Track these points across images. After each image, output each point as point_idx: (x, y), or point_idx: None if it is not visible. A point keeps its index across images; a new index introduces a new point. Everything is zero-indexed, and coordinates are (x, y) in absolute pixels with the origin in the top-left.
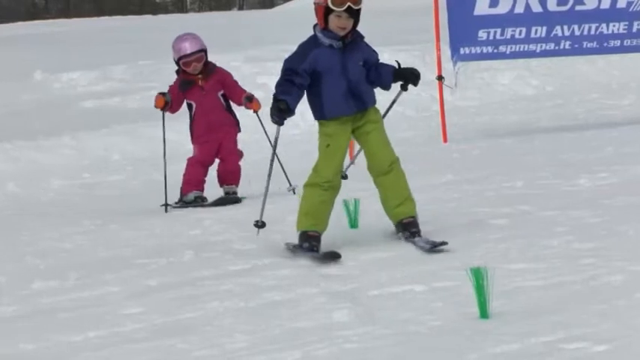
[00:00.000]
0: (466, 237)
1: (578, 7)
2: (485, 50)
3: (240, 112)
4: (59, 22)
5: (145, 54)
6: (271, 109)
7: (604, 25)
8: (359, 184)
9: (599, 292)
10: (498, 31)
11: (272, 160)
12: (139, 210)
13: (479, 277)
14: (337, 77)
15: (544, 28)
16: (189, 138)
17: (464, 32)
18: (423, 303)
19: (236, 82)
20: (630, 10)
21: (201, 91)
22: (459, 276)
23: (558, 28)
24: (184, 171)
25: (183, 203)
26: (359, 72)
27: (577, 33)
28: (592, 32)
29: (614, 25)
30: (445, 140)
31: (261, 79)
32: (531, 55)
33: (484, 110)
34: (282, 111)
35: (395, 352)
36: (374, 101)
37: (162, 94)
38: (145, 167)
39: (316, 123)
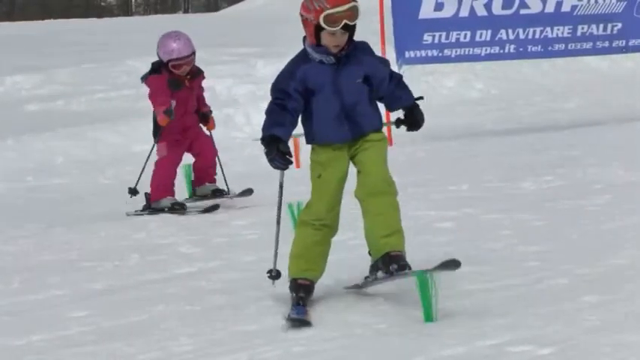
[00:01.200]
0: (411, 240)
1: (522, 11)
2: (430, 54)
3: None
4: (3, 24)
5: (90, 57)
6: (268, 151)
7: (549, 29)
8: (302, 188)
9: (545, 295)
10: (443, 34)
11: (279, 206)
12: (84, 213)
13: (424, 280)
14: (329, 97)
15: (489, 32)
16: (154, 136)
17: (409, 35)
18: (369, 306)
19: (203, 90)
20: (574, 13)
21: (189, 91)
22: (405, 279)
23: (503, 31)
24: (153, 174)
25: (151, 210)
26: (356, 91)
27: (522, 37)
28: (537, 36)
29: (558, 29)
30: (391, 143)
31: (207, 82)
32: (476, 58)
33: (429, 113)
34: (283, 156)
35: (341, 355)
36: (376, 126)
37: (169, 113)
38: (89, 170)
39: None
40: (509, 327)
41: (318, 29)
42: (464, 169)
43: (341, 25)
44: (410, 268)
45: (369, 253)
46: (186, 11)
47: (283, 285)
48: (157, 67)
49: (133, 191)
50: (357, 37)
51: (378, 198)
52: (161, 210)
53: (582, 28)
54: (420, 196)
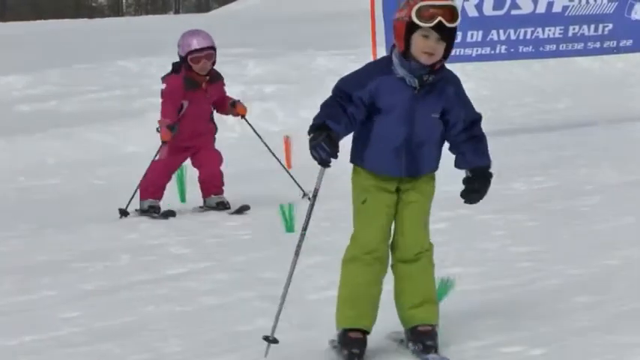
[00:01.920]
0: None
1: (514, 12)
2: None
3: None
4: None
5: (81, 58)
6: (313, 139)
7: (540, 30)
8: (293, 188)
9: (536, 295)
10: None
11: (305, 225)
12: (76, 214)
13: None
14: (397, 125)
15: (480, 33)
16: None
17: None
18: None
19: (226, 92)
20: (566, 14)
21: (205, 94)
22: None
23: (494, 32)
24: (145, 174)
25: (140, 210)
26: (430, 126)
27: (513, 37)
28: (528, 37)
29: (549, 30)
30: None
31: None
32: (467, 59)
33: None
34: (331, 144)
35: (333, 357)
36: (434, 168)
37: (171, 127)
38: (80, 171)
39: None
40: (500, 328)
41: (410, 30)
42: (455, 169)
43: (435, 22)
44: (437, 350)
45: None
46: (177, 12)
47: (274, 286)
48: (177, 68)
49: (124, 212)
50: (344, 38)
51: (409, 264)
52: (143, 212)
53: (573, 29)
54: None
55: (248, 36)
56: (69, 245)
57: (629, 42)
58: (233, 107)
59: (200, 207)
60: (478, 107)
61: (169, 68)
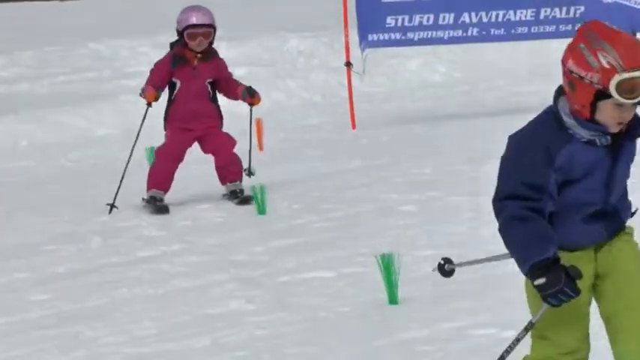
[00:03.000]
0: (375, 223)
1: None
2: (393, 37)
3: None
4: None
5: (53, 40)
6: (551, 282)
7: (511, 12)
8: (265, 171)
9: (507, 278)
10: (406, 17)
11: None
12: (48, 196)
13: (387, 263)
14: (594, 190)
15: (452, 15)
16: (163, 122)
17: (372, 19)
18: (332, 289)
19: (231, 76)
20: None
21: (193, 71)
22: (368, 262)
23: (466, 14)
24: (152, 163)
25: (146, 200)
26: (625, 177)
27: (484, 20)
28: (499, 19)
29: (521, 12)
30: (353, 127)
31: None
32: (439, 41)
33: (392, 97)
34: (574, 283)
35: (304, 338)
36: (628, 214)
37: (156, 87)
38: (53, 154)
39: None
40: (472, 310)
41: (599, 97)
42: (427, 152)
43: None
44: None
45: None
46: None
47: (246, 269)
48: (172, 44)
49: (111, 206)
50: (316, 19)
51: None
52: (148, 202)
53: (545, 12)
54: (383, 179)
55: (219, 18)
56: (40, 228)
57: None
58: (249, 95)
59: (223, 195)
60: (450, 90)
61: (140, 50)
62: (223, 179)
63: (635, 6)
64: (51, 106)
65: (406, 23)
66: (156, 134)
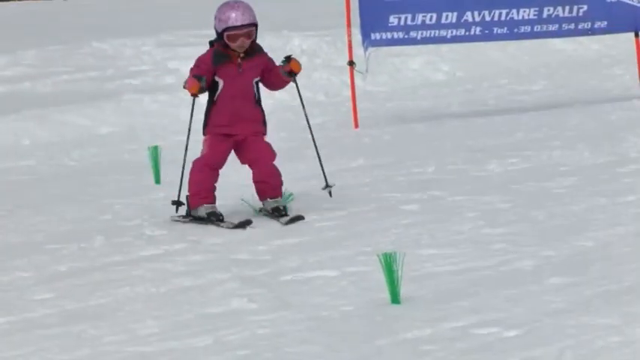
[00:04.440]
0: (377, 222)
1: None
2: (396, 36)
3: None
4: None
5: (56, 39)
6: None
7: (514, 11)
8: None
9: (510, 277)
10: (409, 16)
11: None
12: (50, 195)
13: (390, 262)
14: None
15: (454, 14)
16: (202, 127)
17: (375, 17)
18: (334, 288)
19: (276, 65)
20: None
21: (238, 69)
22: (371, 261)
23: (469, 13)
24: (189, 175)
25: (192, 218)
26: None
27: (487, 19)
28: (502, 18)
29: (524, 11)
30: (356, 126)
31: (172, 64)
32: (442, 40)
33: (395, 96)
34: None
35: (307, 337)
36: None
37: (198, 77)
38: (55, 152)
39: None
40: (474, 309)
41: None
42: (429, 151)
43: None
44: None
45: None
46: None
47: (248, 268)
48: (211, 42)
49: (177, 203)
50: (320, 18)
51: None
52: (202, 219)
53: (548, 10)
54: (385, 178)
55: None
56: (43, 226)
57: (604, 23)
58: (286, 63)
59: (259, 210)
60: (452, 88)
61: (143, 49)
62: (263, 194)
63: (639, 5)
64: (54, 105)
65: (409, 22)
66: (161, 132)
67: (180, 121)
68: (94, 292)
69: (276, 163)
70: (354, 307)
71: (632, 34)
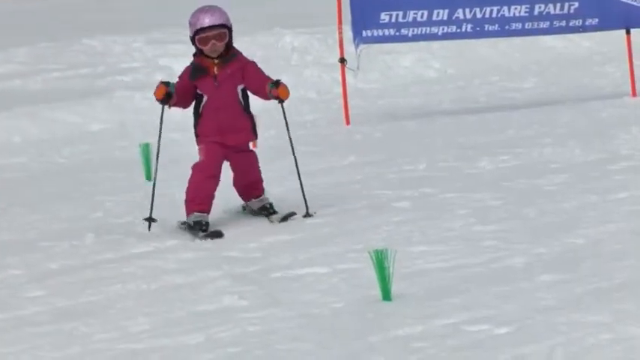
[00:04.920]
0: (368, 219)
1: None
2: (387, 33)
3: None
4: None
5: (47, 36)
6: None
7: (505, 8)
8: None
9: (501, 274)
10: (400, 13)
11: None
12: (41, 193)
13: (381, 259)
14: None
15: (446, 11)
16: (194, 136)
17: (366, 15)
18: (325, 285)
19: (260, 70)
20: None
21: (214, 81)
22: (362, 258)
23: (460, 10)
24: (188, 182)
25: (187, 226)
26: None
27: (479, 16)
28: (493, 15)
29: (515, 8)
30: (347, 123)
31: (163, 61)
32: (433, 37)
33: (386, 93)
34: None
35: (298, 334)
36: None
37: (165, 83)
38: (46, 150)
39: None
40: (465, 306)
41: None
42: (421, 148)
43: None
44: None
45: None
46: None
47: (239, 265)
48: (195, 54)
49: (149, 219)
50: (311, 15)
51: None
52: (190, 228)
53: (539, 8)
54: (376, 175)
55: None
56: (34, 224)
57: (595, 20)
58: (274, 87)
59: (243, 208)
60: (443, 85)
61: (134, 45)
62: (247, 195)
63: (632, 2)
64: (45, 102)
65: (400, 19)
66: (152, 130)
67: (171, 118)
68: (85, 290)
69: (263, 156)
70: (345, 304)
71: (623, 32)
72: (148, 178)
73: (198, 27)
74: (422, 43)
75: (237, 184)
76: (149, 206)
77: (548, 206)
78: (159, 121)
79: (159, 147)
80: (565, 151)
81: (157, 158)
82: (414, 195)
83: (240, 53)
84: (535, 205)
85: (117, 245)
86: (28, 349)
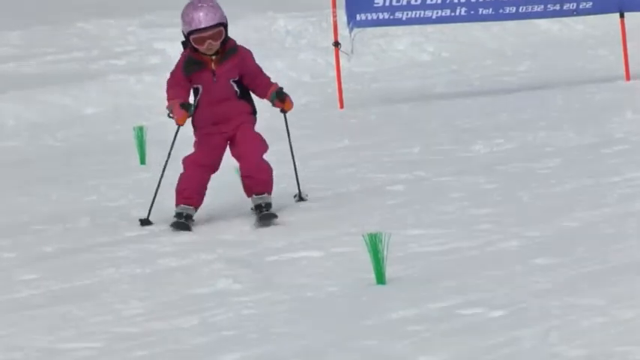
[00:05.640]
0: (363, 203)
1: None
2: (381, 16)
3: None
4: None
5: (41, 19)
6: None
7: None
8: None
9: (495, 257)
10: None
11: None
12: (35, 176)
13: (375, 242)
14: None
15: None
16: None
17: None
18: (320, 269)
19: (259, 69)
20: None
21: (212, 77)
22: (356, 242)
23: None
24: (180, 174)
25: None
26: None
27: None
28: None
29: None
30: (341, 106)
31: (157, 44)
32: (427, 21)
33: (380, 76)
34: None
35: (292, 318)
36: None
37: (186, 107)
38: (40, 133)
39: None
40: (459, 289)
41: None
42: (415, 132)
43: None
44: None
45: None
46: None
47: (234, 248)
48: (184, 43)
49: (145, 221)
50: (307, 1)
51: None
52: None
53: None
54: (371, 158)
55: None
56: (28, 207)
57: (589, 4)
58: (278, 99)
59: (251, 209)
60: (438, 69)
61: (128, 29)
62: (249, 190)
63: None
64: (38, 86)
65: (394, 3)
66: (146, 113)
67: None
68: (79, 273)
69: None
70: (339, 287)
71: (616, 15)
72: (142, 161)
73: (194, 27)
74: (416, 27)
75: (242, 173)
76: (144, 188)
77: (542, 190)
78: (172, 139)
79: (166, 163)
80: (559, 135)
81: (162, 175)
82: (409, 178)
83: (237, 45)
84: (529, 188)
85: (111, 229)
86: (22, 332)
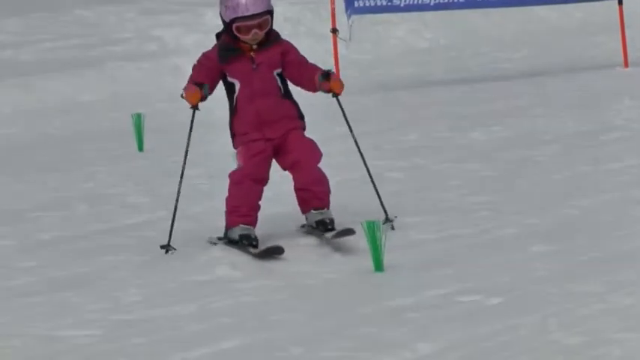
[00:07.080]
0: (361, 190)
1: None
2: (379, 3)
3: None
4: None
5: (39, 6)
6: None
7: None
8: None
9: (493, 245)
10: None
11: None
12: (33, 163)
13: (373, 230)
14: None
15: None
16: (231, 139)
17: None
18: (318, 256)
19: (305, 59)
20: None
21: (252, 64)
22: (354, 229)
23: None
24: (228, 192)
25: (228, 240)
26: None
27: None
28: None
29: None
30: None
31: (155, 31)
32: (425, 8)
33: (378, 63)
34: None
35: (291, 305)
36: None
37: (199, 85)
38: (37, 120)
39: None
40: (458, 277)
41: None
42: (413, 119)
43: None
44: None
45: None
46: None
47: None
48: (218, 34)
49: (167, 247)
50: None
51: None
52: (235, 243)
53: None
54: (369, 146)
55: None
56: (26, 194)
57: None
58: (325, 80)
59: (301, 226)
60: (436, 56)
61: (126, 15)
62: (305, 204)
63: None
64: (37, 73)
65: None
66: (144, 100)
67: (163, 88)
68: (77, 261)
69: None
70: (337, 274)
71: (615, 2)
72: (140, 148)
73: (240, 14)
74: (414, 14)
75: (296, 185)
76: (142, 175)
77: (540, 177)
78: (188, 126)
79: (186, 157)
80: (557, 122)
81: (181, 177)
82: (407, 166)
83: (279, 35)
84: (527, 175)
85: (109, 216)
86: (20, 319)
